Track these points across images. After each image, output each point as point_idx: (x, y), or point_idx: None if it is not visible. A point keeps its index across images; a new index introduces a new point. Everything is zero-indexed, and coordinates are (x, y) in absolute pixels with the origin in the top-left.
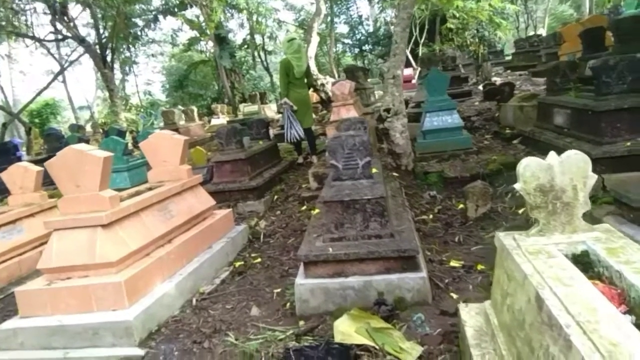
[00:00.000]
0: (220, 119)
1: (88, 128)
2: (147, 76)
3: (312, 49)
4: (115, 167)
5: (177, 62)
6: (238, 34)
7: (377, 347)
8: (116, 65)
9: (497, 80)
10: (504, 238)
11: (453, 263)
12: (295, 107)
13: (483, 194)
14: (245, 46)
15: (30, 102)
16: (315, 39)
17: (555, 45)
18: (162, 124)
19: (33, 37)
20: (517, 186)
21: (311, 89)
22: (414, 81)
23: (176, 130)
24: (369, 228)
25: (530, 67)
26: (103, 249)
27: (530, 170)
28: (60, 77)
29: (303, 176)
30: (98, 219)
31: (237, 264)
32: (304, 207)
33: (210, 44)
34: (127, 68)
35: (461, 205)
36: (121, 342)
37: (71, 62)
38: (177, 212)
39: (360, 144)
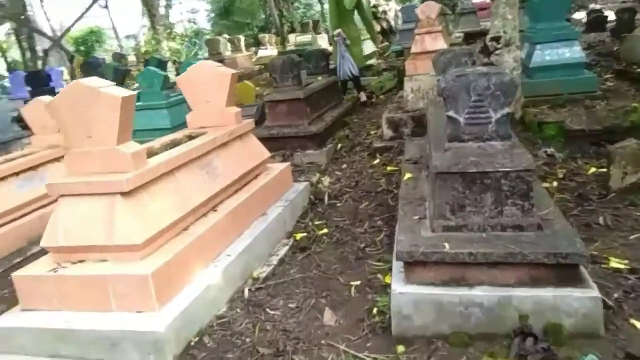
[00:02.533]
0: (269, 51)
1: (132, 58)
2: (191, 4)
3: None
4: (154, 103)
5: None
6: None
7: None
8: None
9: (597, 7)
10: None
11: (614, 263)
12: (348, 42)
13: (637, 157)
14: None
15: (70, 28)
16: None
17: None
18: (206, 55)
19: None
20: None
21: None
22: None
23: (221, 61)
24: (504, 215)
25: None
26: (124, 226)
27: None
28: (103, 3)
29: (370, 120)
30: (117, 185)
31: (299, 236)
32: (377, 161)
33: None
34: None
35: (593, 170)
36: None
37: None
38: (223, 170)
39: (498, 87)
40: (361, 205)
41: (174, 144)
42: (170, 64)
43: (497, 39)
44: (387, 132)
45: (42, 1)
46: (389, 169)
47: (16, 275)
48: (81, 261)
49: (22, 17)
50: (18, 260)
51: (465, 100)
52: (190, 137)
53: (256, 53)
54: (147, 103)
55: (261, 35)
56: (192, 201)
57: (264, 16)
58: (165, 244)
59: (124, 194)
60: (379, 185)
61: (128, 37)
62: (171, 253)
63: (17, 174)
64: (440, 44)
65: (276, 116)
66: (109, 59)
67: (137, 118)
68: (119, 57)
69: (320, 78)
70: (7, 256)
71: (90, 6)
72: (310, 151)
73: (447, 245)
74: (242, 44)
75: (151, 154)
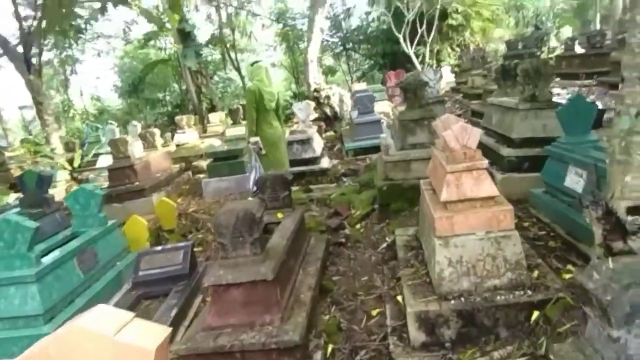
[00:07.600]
0: (187, 134)
1: (16, 143)
2: (96, 73)
3: (313, 50)
4: (14, 275)
5: (130, 59)
6: (202, 29)
7: None
8: (54, 64)
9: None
10: None
11: None
12: (264, 151)
13: None
14: (212, 43)
15: None
16: (317, 36)
17: None
18: (108, 149)
19: None
20: None
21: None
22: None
23: (130, 167)
24: None
25: (594, 74)
26: None
27: None
28: None
29: (358, 277)
30: None
31: None
32: None
33: (172, 40)
34: (69, 68)
35: None
36: None
37: None
38: None
39: None
40: None
41: None
42: (62, 167)
43: None
44: (416, 336)
45: None
46: None
47: None
48: None
49: None
50: None
51: None
52: None
53: (172, 137)
54: (3, 274)
55: (177, 118)
56: None
57: (178, 90)
58: None
59: None
60: None
61: (22, 107)
62: None
63: None
64: (489, 189)
65: (225, 309)
66: None
67: None
68: None
69: (280, 215)
70: None
71: None
72: None
73: None
74: (157, 138)
75: None
